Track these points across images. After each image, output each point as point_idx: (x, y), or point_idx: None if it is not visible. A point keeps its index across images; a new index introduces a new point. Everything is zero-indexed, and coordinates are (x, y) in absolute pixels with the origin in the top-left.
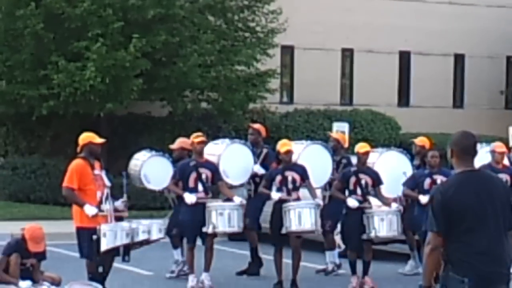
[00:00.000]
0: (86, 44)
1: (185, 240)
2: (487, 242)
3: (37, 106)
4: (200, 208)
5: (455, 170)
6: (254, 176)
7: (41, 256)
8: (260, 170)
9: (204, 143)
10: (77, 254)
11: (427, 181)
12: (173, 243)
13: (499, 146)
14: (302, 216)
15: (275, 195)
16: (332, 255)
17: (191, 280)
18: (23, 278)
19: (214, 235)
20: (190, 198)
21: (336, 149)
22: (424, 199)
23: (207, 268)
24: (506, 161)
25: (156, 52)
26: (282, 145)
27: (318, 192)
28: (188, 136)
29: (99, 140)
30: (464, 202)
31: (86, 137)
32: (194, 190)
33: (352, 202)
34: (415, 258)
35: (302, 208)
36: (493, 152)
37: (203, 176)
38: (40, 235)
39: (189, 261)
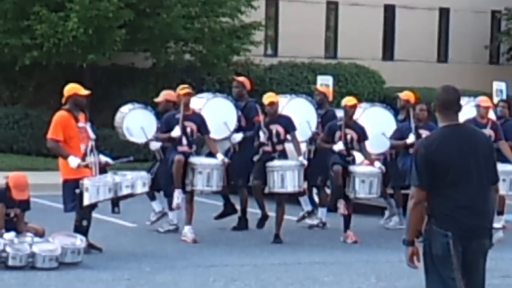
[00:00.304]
0: None
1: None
2: (470, 196)
3: (20, 56)
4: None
5: (439, 125)
6: (237, 129)
7: (25, 205)
8: (236, 139)
9: (190, 94)
10: (60, 206)
11: (412, 135)
12: (149, 196)
13: (484, 101)
14: (285, 178)
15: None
16: (321, 212)
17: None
18: (7, 229)
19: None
20: (176, 132)
21: (322, 103)
22: (412, 138)
23: (189, 222)
24: (492, 115)
25: (139, 2)
26: (266, 98)
27: (303, 146)
28: (172, 88)
29: (84, 91)
30: (447, 155)
31: (71, 88)
32: (178, 143)
33: (337, 146)
34: (400, 215)
35: (286, 171)
36: (478, 106)
37: (188, 130)
38: (24, 183)
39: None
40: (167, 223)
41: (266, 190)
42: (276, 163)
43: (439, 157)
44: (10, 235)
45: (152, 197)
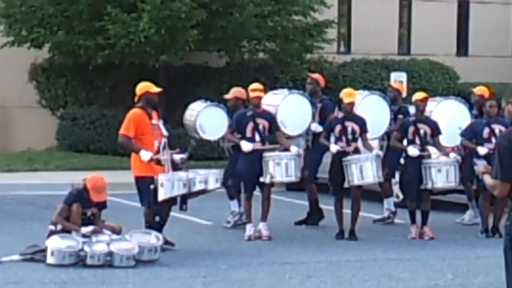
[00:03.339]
0: None
1: (242, 190)
2: None
3: (93, 56)
4: (257, 157)
5: None
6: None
7: (102, 205)
8: (318, 128)
9: (260, 98)
10: (137, 204)
11: (486, 130)
12: (229, 194)
13: None
14: (363, 169)
15: (334, 147)
16: (388, 202)
17: (249, 229)
18: (85, 225)
19: (272, 184)
20: (246, 146)
21: (395, 99)
22: (482, 150)
23: (264, 218)
24: None
25: (212, 2)
26: (346, 95)
27: (376, 143)
28: (245, 87)
29: (156, 89)
30: None
31: (143, 86)
32: (251, 140)
33: (412, 151)
34: (473, 208)
35: (364, 162)
36: None
37: (260, 126)
38: (102, 185)
39: (247, 210)
40: (231, 215)
41: (346, 184)
42: (351, 156)
43: None
44: (87, 229)
45: (231, 197)
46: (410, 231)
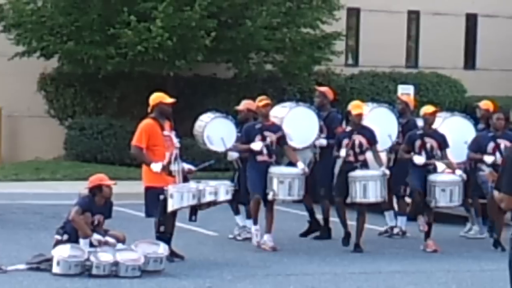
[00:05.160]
0: (153, 5)
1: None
2: None
3: (103, 65)
4: (264, 167)
5: None
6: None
7: (108, 213)
8: (323, 143)
9: (269, 105)
10: (143, 214)
11: (491, 144)
12: (233, 209)
13: None
14: (367, 188)
15: (343, 152)
16: (389, 216)
17: (255, 233)
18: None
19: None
20: (256, 146)
21: (403, 112)
22: (489, 158)
23: (269, 230)
24: None
25: (222, 13)
26: (355, 107)
27: (383, 155)
28: (253, 98)
29: (169, 100)
30: None
31: (157, 97)
32: (258, 153)
33: (418, 159)
34: (479, 224)
35: (368, 181)
36: None
37: (268, 139)
38: (105, 176)
39: (254, 212)
40: (245, 230)
41: (348, 200)
42: (358, 173)
43: None
44: (99, 237)
45: (237, 211)
46: (418, 223)
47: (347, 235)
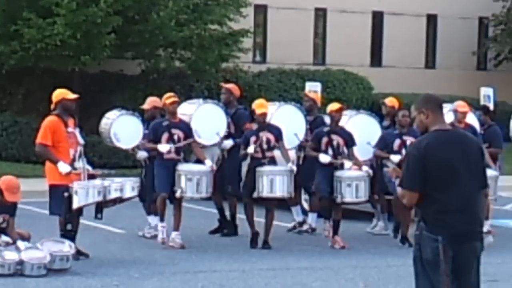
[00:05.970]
0: (57, 0)
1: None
2: (461, 200)
3: (6, 60)
4: (172, 165)
5: (430, 129)
6: (227, 136)
7: (13, 210)
8: (227, 146)
9: (176, 103)
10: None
11: (397, 142)
12: (145, 209)
13: (461, 106)
14: (274, 183)
15: (251, 148)
16: (296, 211)
17: (161, 230)
18: None
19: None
20: (164, 148)
21: (311, 109)
22: (395, 158)
23: (176, 228)
24: (474, 120)
25: (128, 9)
26: (258, 106)
27: (292, 153)
28: (160, 95)
29: (72, 96)
30: (439, 159)
31: (59, 93)
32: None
33: (324, 158)
34: (384, 220)
35: (275, 175)
36: (455, 111)
37: (175, 137)
38: (16, 185)
39: (160, 209)
40: (152, 228)
41: (255, 195)
42: (266, 168)
43: (432, 160)
44: (6, 239)
45: (149, 212)
46: (324, 229)
47: (255, 235)
